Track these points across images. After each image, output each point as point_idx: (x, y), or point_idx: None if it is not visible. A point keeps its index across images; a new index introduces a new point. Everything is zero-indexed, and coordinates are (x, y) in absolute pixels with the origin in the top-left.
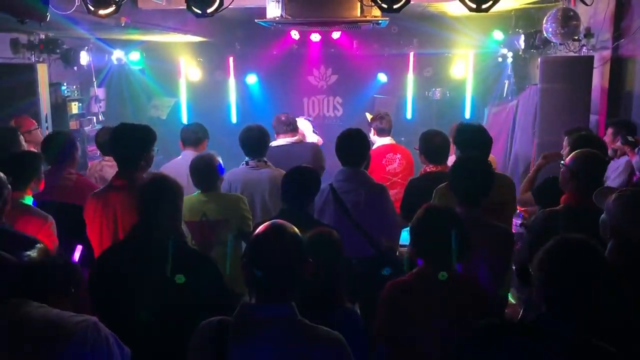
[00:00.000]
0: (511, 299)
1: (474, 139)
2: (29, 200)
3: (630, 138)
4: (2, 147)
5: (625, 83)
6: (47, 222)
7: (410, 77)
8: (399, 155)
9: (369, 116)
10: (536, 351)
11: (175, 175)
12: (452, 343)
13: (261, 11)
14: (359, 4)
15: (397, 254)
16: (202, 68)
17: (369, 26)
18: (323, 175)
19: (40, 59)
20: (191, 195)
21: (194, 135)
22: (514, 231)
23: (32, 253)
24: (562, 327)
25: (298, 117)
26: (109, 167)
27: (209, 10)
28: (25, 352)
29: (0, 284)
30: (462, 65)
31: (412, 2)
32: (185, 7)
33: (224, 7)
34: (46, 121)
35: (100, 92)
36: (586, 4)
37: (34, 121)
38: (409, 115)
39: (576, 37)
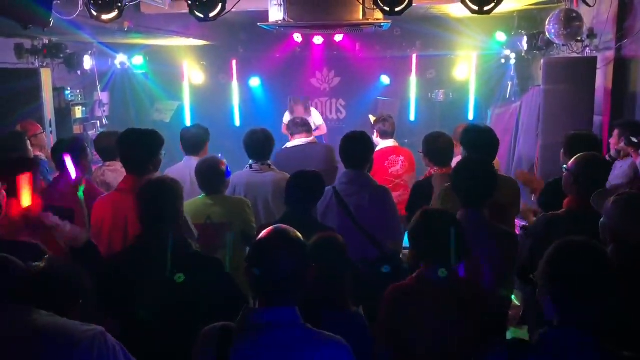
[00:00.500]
0: (515, 301)
1: (481, 139)
2: None
3: (633, 139)
4: (13, 149)
5: (629, 84)
6: None
7: (413, 79)
8: (401, 158)
9: (372, 118)
10: None
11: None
12: (453, 345)
13: (264, 15)
14: (361, 7)
15: (401, 256)
16: (205, 71)
17: (371, 29)
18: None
19: (44, 64)
20: (196, 198)
21: (193, 141)
22: (517, 232)
23: (41, 263)
24: (581, 340)
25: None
26: (110, 172)
27: (211, 15)
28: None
29: (10, 291)
30: (465, 66)
31: (414, 5)
32: (187, 11)
33: (226, 11)
34: (50, 126)
35: (103, 97)
36: (589, 5)
37: (39, 125)
38: (412, 118)
39: (579, 38)
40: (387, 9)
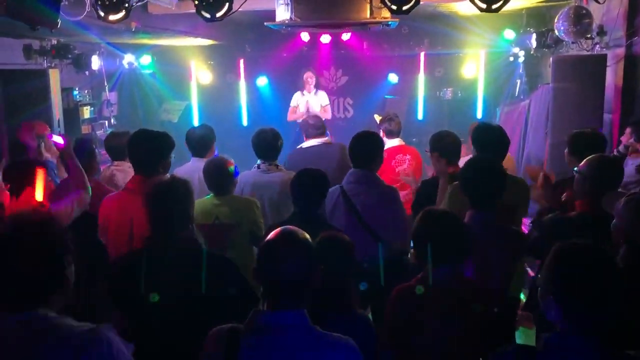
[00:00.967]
0: (524, 300)
1: (490, 138)
2: None
3: None
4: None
5: None
6: None
7: (421, 78)
8: (408, 157)
9: (377, 118)
10: None
11: None
12: (458, 347)
13: (271, 14)
14: (368, 5)
15: (409, 255)
16: (212, 71)
17: (378, 27)
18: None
19: (52, 65)
20: (204, 198)
21: (200, 143)
22: (525, 231)
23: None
24: (585, 343)
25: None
26: (118, 172)
27: (218, 15)
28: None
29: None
30: (473, 64)
31: (422, 3)
32: (195, 11)
33: (233, 11)
34: (59, 126)
35: (111, 97)
36: (598, 2)
37: (47, 126)
38: (420, 116)
39: (589, 35)
40: (395, 7)
